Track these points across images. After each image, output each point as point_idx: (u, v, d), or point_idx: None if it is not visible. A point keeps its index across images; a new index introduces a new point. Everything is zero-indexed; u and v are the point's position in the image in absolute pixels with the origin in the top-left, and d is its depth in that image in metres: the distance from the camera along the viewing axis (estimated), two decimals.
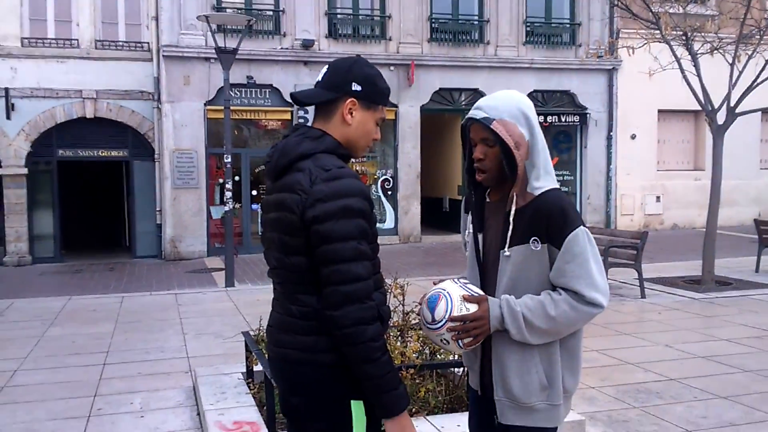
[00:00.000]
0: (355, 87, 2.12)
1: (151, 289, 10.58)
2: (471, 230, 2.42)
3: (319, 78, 2.17)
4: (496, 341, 2.26)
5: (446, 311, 2.18)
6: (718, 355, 6.23)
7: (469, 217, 2.45)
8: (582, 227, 2.20)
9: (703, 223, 10.37)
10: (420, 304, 2.31)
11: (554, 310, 2.16)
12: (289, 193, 2.04)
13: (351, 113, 2.13)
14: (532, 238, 2.21)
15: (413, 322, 4.69)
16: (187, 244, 14.32)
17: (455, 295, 2.20)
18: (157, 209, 14.62)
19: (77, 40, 14.31)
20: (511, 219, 2.24)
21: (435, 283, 2.31)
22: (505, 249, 2.25)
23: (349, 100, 2.12)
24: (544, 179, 2.25)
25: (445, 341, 2.21)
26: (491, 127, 2.21)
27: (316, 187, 1.99)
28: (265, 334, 5.10)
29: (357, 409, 2.04)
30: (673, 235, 16.50)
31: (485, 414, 2.39)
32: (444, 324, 2.17)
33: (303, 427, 2.16)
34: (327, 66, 2.20)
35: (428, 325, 2.23)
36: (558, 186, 2.29)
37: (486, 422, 2.41)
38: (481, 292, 2.25)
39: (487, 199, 2.39)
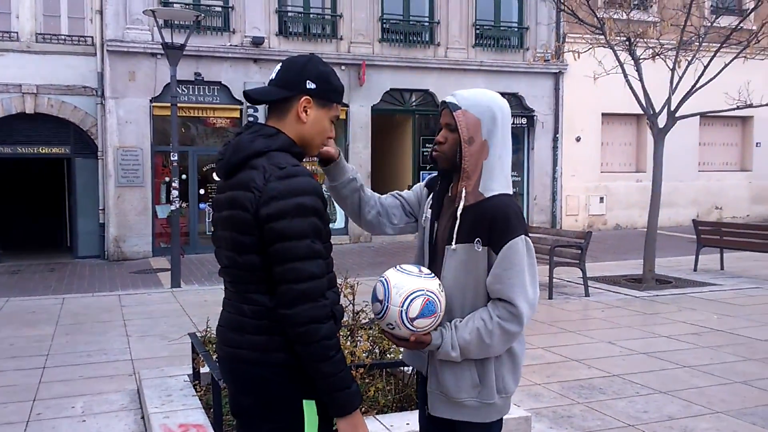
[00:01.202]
0: (310, 85, 2.11)
1: (93, 290, 10.31)
2: (429, 216, 2.44)
3: (273, 76, 2.16)
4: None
5: (385, 295, 2.18)
6: (659, 352, 6.42)
7: (429, 203, 2.48)
8: (523, 236, 2.23)
9: (645, 223, 10.68)
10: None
11: (489, 339, 2.20)
12: (242, 190, 2.01)
13: (306, 111, 2.12)
14: (476, 239, 2.24)
15: (363, 321, 4.70)
16: (131, 244, 14.00)
17: (392, 281, 2.20)
18: (100, 208, 14.25)
19: (17, 32, 13.83)
20: (458, 214, 2.27)
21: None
22: (452, 244, 2.28)
23: (304, 98, 2.11)
24: (498, 183, 2.27)
25: (390, 326, 2.22)
26: (454, 114, 2.26)
27: (270, 185, 1.97)
28: (212, 335, 5.03)
29: (309, 409, 2.02)
30: (616, 235, 16.93)
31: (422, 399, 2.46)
32: (387, 308, 2.17)
33: (254, 428, 2.14)
34: (280, 64, 2.19)
35: (377, 317, 2.24)
36: (511, 193, 2.32)
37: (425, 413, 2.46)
38: (417, 270, 2.25)
39: (449, 193, 2.42)
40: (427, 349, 2.26)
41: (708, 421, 4.65)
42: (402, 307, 2.16)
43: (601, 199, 18.11)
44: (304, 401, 2.02)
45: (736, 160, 19.97)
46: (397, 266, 2.27)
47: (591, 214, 18.06)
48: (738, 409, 4.86)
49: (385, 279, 2.21)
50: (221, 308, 2.21)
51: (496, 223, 2.21)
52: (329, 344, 1.96)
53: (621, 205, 18.22)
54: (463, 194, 2.27)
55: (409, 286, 2.17)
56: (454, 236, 2.27)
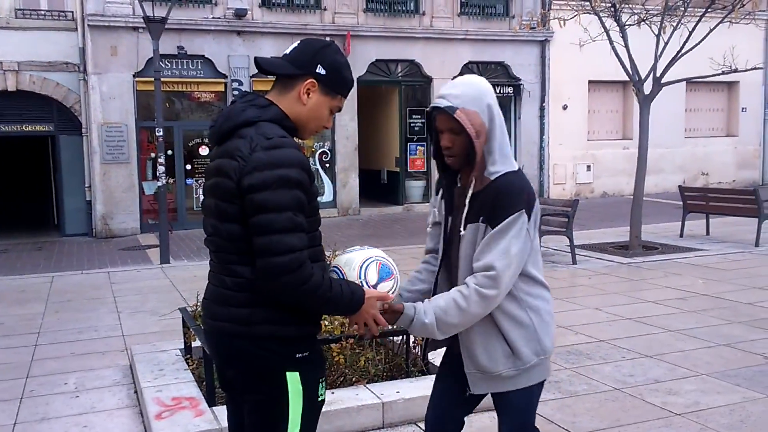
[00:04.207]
0: (320, 70, 2.11)
1: (82, 268, 10.29)
2: (444, 212, 2.50)
3: (288, 51, 2.16)
4: None
5: (340, 278, 2.19)
6: (645, 317, 6.52)
7: (440, 199, 2.53)
8: (522, 212, 2.26)
9: (632, 190, 10.74)
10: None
11: (465, 303, 2.25)
12: (228, 159, 2.03)
13: (308, 94, 2.12)
14: (480, 218, 2.30)
15: None
16: (118, 221, 13.95)
17: (342, 263, 2.23)
18: (86, 185, 14.15)
19: None
20: (467, 201, 2.33)
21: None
22: (462, 230, 2.35)
23: (309, 80, 2.11)
24: (501, 164, 2.32)
25: None
26: (455, 116, 2.27)
27: (255, 155, 1.97)
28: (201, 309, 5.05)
29: (293, 380, 2.05)
30: (603, 203, 17.04)
31: (452, 384, 2.53)
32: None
33: (240, 400, 2.17)
34: (299, 41, 2.19)
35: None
36: (516, 168, 2.35)
37: (452, 392, 2.55)
38: (358, 247, 2.29)
39: (458, 184, 2.47)
40: (400, 323, 2.27)
41: (692, 383, 4.74)
42: (360, 278, 2.19)
43: (588, 167, 18.18)
44: (287, 373, 2.05)
45: (722, 125, 20.06)
46: (339, 252, 2.33)
47: (578, 183, 18.14)
48: (722, 371, 4.96)
49: (335, 266, 2.25)
50: (208, 282, 2.23)
51: (498, 201, 2.27)
52: (320, 293, 2.00)
53: (608, 172, 18.30)
54: (473, 182, 2.33)
55: (357, 258, 2.22)
56: (463, 221, 2.34)
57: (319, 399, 2.13)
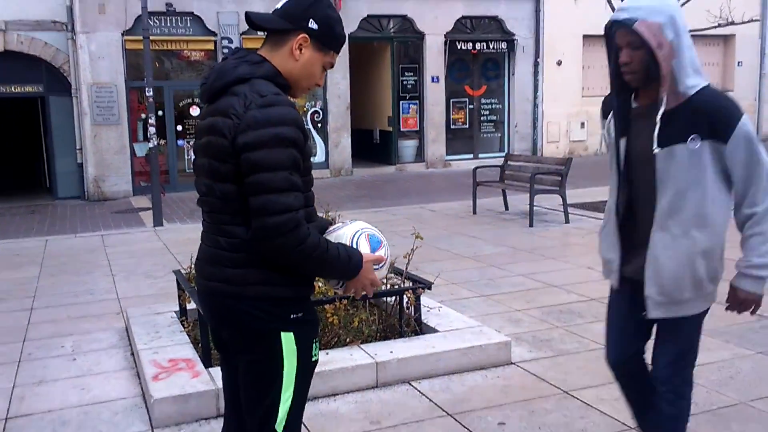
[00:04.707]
0: (312, 24, 2.07)
1: (76, 231, 10.28)
2: (614, 134, 2.48)
3: (278, 6, 2.11)
4: (655, 241, 2.41)
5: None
6: None
7: (610, 122, 2.51)
8: (745, 115, 2.29)
9: None
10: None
11: None
12: (221, 117, 2.00)
13: (300, 49, 2.08)
14: (691, 137, 2.29)
15: None
16: (111, 184, 13.89)
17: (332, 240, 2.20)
18: (78, 148, 14.04)
19: None
20: (658, 119, 2.30)
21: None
22: (656, 147, 2.33)
23: (302, 35, 2.07)
24: (695, 78, 2.31)
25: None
26: (634, 27, 2.23)
27: (249, 113, 1.95)
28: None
29: (287, 340, 2.07)
30: (597, 161, 17.00)
31: (628, 305, 2.62)
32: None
33: (234, 360, 2.19)
34: None
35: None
36: (709, 82, 2.35)
37: (628, 321, 2.64)
38: (341, 223, 2.28)
39: (633, 104, 2.44)
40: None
41: None
42: None
43: (582, 124, 18.11)
44: (281, 333, 2.06)
45: (717, 80, 19.93)
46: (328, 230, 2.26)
47: (572, 141, 18.09)
48: (711, 328, 4.97)
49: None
50: (201, 242, 2.23)
51: (715, 115, 2.27)
52: (316, 255, 2.00)
53: None
54: (664, 100, 2.29)
55: (347, 233, 2.19)
56: (655, 141, 2.32)
57: (313, 359, 2.15)
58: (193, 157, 2.03)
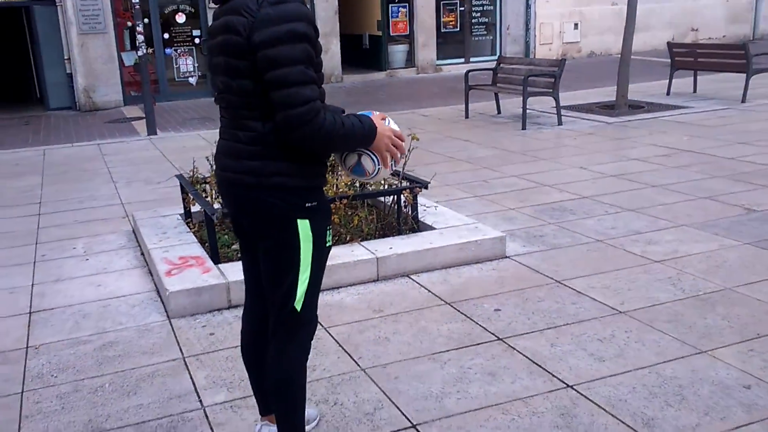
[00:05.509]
0: None
1: (71, 141, 10.29)
2: None
3: None
4: None
5: (374, 165, 2.27)
6: (629, 173, 6.72)
7: None
8: None
9: (619, 49, 10.65)
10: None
11: None
12: (235, 15, 2.07)
13: None
14: None
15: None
16: (101, 94, 13.75)
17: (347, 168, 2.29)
18: (66, 58, 13.80)
19: None
20: None
21: None
22: None
23: None
24: None
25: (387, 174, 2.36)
26: None
27: (263, 11, 2.02)
28: (200, 175, 5.19)
29: (303, 227, 2.21)
30: (590, 63, 16.88)
31: None
32: (378, 170, 2.28)
33: (254, 248, 2.35)
34: None
35: (366, 178, 2.35)
36: None
37: None
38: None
39: None
40: None
41: (672, 233, 4.98)
42: (374, 167, 2.27)
43: (576, 25, 17.83)
44: (298, 220, 2.20)
45: None
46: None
47: (565, 42, 17.85)
48: (701, 222, 5.20)
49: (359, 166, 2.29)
50: (219, 137, 2.33)
51: None
52: (336, 133, 2.09)
53: (595, 30, 17.98)
54: None
55: (348, 162, 2.28)
56: None
57: (327, 245, 2.31)
58: (205, 53, 2.06)
